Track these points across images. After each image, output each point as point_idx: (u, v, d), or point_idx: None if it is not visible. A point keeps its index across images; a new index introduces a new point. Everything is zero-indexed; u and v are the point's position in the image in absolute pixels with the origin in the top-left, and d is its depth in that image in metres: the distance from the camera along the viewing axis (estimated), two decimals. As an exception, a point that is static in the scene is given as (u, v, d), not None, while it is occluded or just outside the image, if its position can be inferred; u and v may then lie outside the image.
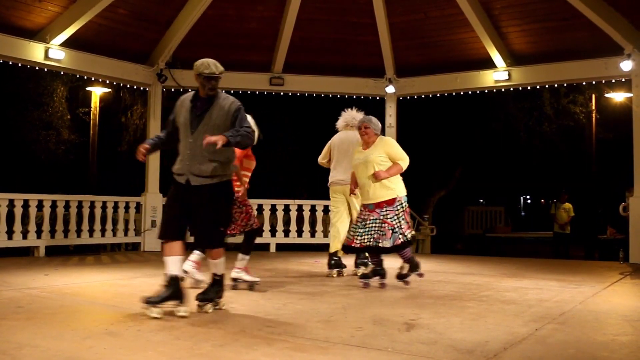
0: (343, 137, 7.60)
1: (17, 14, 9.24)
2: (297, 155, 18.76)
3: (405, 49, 11.45)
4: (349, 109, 7.75)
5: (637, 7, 9.48)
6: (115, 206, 10.89)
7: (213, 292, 4.86)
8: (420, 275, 6.40)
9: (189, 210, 4.69)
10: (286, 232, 11.53)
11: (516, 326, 4.40)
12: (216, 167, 4.69)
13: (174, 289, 4.62)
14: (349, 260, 7.63)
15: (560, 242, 14.24)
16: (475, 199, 27.31)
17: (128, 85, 12.39)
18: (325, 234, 11.36)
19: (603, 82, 13.95)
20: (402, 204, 6.18)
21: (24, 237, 9.68)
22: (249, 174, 6.19)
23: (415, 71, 11.60)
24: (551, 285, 6.70)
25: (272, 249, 11.35)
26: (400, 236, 6.04)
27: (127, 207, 11.13)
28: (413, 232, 6.31)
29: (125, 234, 11.09)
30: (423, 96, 12.40)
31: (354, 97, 11.99)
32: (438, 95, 12.31)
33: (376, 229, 6.09)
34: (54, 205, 10.04)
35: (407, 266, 6.31)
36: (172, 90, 11.73)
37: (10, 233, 9.49)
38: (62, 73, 13.81)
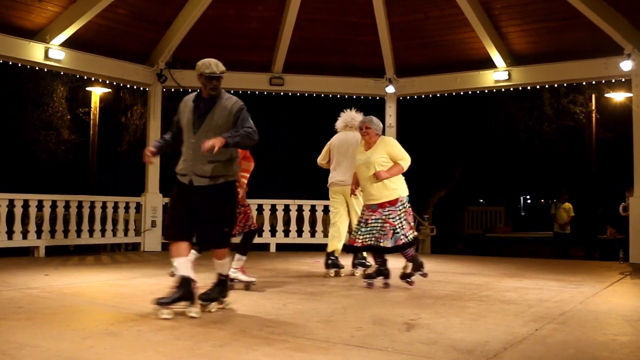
0: (342, 138, 7.60)
1: (17, 14, 9.24)
2: (297, 155, 18.76)
3: (405, 49, 11.45)
4: (348, 110, 7.75)
5: (637, 7, 9.48)
6: (115, 206, 10.89)
7: (216, 291, 4.87)
8: (424, 275, 6.39)
9: (194, 211, 4.68)
10: (286, 232, 11.53)
11: (516, 326, 4.40)
12: (218, 167, 4.68)
13: (185, 290, 4.62)
14: (346, 261, 7.63)
15: (560, 242, 14.24)
16: (475, 199, 27.30)
17: (128, 85, 12.39)
18: (326, 234, 11.35)
19: (603, 82, 13.96)
20: (404, 204, 6.18)
21: (24, 237, 9.68)
22: (247, 175, 6.19)
23: (415, 71, 11.60)
24: (551, 285, 6.70)
25: (272, 249, 11.36)
26: (402, 237, 6.04)
27: (127, 207, 11.12)
28: (415, 233, 6.28)
29: (125, 234, 11.09)
30: (423, 96, 12.40)
31: (354, 97, 12.00)
32: (438, 95, 12.31)
33: (378, 228, 6.09)
34: (54, 205, 10.04)
35: (410, 265, 6.28)
36: (172, 90, 11.74)
37: (10, 233, 9.49)
38: (62, 73, 13.80)
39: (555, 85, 12.86)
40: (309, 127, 17.15)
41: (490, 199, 28.50)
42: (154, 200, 11.08)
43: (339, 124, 7.73)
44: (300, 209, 11.59)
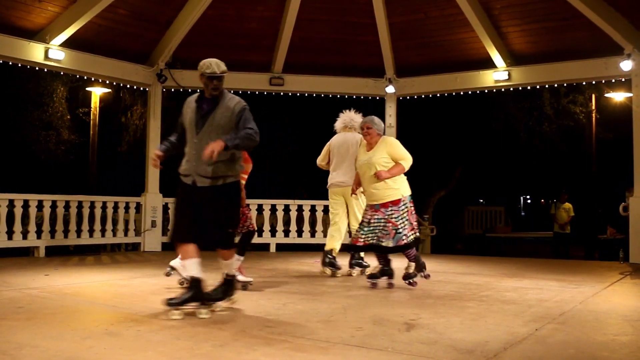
0: (342, 138, 7.59)
1: (17, 14, 9.24)
2: (297, 155, 18.77)
3: (405, 49, 11.45)
4: (347, 111, 7.74)
5: (637, 7, 9.48)
6: (115, 206, 10.89)
7: (221, 291, 4.88)
8: (426, 276, 6.37)
9: (198, 211, 4.67)
10: (286, 232, 11.53)
11: (516, 326, 4.40)
12: (221, 167, 4.66)
13: (195, 291, 4.62)
14: (343, 261, 7.64)
15: (560, 242, 14.24)
16: (475, 199, 27.30)
17: (128, 86, 12.39)
18: (326, 234, 11.35)
19: (603, 82, 13.96)
20: (406, 204, 6.17)
21: (24, 237, 9.68)
22: (246, 177, 6.19)
23: (415, 71, 11.60)
24: (551, 285, 6.70)
25: (272, 249, 11.36)
26: (404, 237, 6.03)
27: (127, 208, 11.13)
28: (417, 234, 6.25)
29: (125, 234, 11.09)
30: (423, 96, 12.40)
31: (354, 97, 12.01)
32: (438, 95, 12.31)
33: (380, 227, 6.09)
34: (54, 205, 10.04)
35: (413, 265, 6.26)
36: (172, 90, 11.74)
37: (10, 233, 9.49)
38: (62, 73, 13.80)
39: (555, 85, 12.85)
40: (309, 127, 17.15)
41: (490, 199, 28.50)
42: (154, 200, 11.08)
43: (338, 124, 7.72)
44: (300, 209, 11.59)
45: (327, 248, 7.46)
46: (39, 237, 9.82)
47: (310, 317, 4.68)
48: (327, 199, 7.83)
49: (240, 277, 6.08)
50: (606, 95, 17.66)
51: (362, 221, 6.34)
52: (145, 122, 13.00)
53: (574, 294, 6.06)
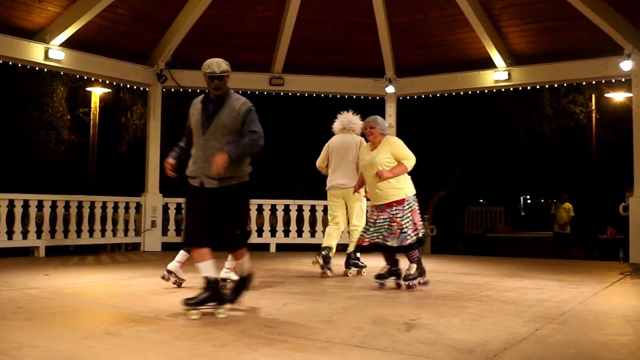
0: (341, 140, 7.58)
1: (17, 14, 9.25)
2: (297, 155, 18.77)
3: (405, 49, 11.45)
4: (345, 112, 7.74)
5: (637, 7, 9.48)
6: (115, 206, 10.89)
7: (237, 290, 4.94)
8: (425, 283, 6.30)
9: (207, 213, 4.66)
10: (286, 232, 11.53)
11: (516, 326, 4.40)
12: (229, 167, 4.61)
13: (212, 291, 4.63)
14: (340, 261, 7.64)
15: (560, 242, 14.24)
16: (475, 199, 27.30)
17: (128, 86, 12.39)
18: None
19: (603, 82, 13.95)
20: (410, 203, 6.16)
21: (24, 237, 9.69)
22: None
23: (415, 71, 11.60)
24: (551, 285, 6.70)
25: (272, 249, 11.36)
26: (408, 237, 6.02)
27: (127, 207, 11.13)
28: (420, 235, 6.20)
29: (125, 234, 11.09)
30: (423, 96, 12.40)
31: (354, 97, 12.01)
32: (438, 95, 12.31)
33: (385, 227, 6.08)
34: (54, 205, 10.05)
35: (414, 267, 6.22)
36: (172, 90, 11.75)
37: (10, 233, 9.49)
38: (62, 73, 13.81)
39: (555, 85, 12.85)
40: (309, 127, 17.15)
41: (490, 199, 28.49)
42: (154, 200, 11.08)
43: (336, 126, 7.71)
44: (300, 209, 11.59)
45: (324, 245, 7.43)
46: (39, 237, 9.82)
47: (310, 317, 4.68)
48: (326, 199, 7.80)
49: (235, 277, 6.07)
50: (606, 95, 17.65)
51: (368, 221, 6.34)
52: (145, 122, 13.00)
53: (574, 294, 6.06)
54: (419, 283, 6.18)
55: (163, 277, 6.16)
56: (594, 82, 12.24)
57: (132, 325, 4.26)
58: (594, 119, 18.83)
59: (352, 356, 3.58)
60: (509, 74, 10.75)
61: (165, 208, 11.31)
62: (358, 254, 7.46)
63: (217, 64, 4.71)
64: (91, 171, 18.19)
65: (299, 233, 11.58)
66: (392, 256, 6.29)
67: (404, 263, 6.37)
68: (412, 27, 11.19)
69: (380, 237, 6.10)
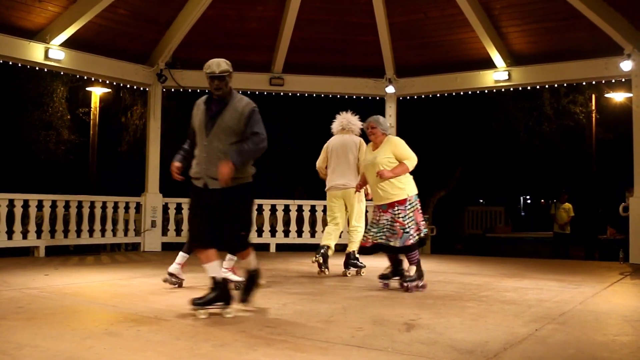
0: (340, 140, 7.57)
1: (17, 14, 9.24)
2: (296, 155, 18.76)
3: (405, 49, 11.45)
4: (344, 112, 7.73)
5: (637, 7, 9.48)
6: (115, 206, 10.89)
7: (249, 288, 4.93)
8: (422, 287, 6.24)
9: (211, 214, 4.66)
10: (286, 232, 11.53)
11: (516, 326, 4.41)
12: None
13: (220, 291, 4.64)
14: (338, 261, 7.64)
15: (560, 242, 14.24)
16: (475, 199, 27.29)
17: (128, 85, 12.39)
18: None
19: (603, 82, 13.94)
20: (412, 203, 6.15)
21: (24, 237, 9.68)
22: None
23: (415, 71, 11.60)
24: (551, 286, 6.70)
25: (272, 249, 11.36)
26: (411, 237, 6.02)
27: (127, 207, 11.13)
28: (422, 235, 6.18)
29: (125, 234, 11.09)
30: (423, 96, 12.40)
31: (354, 97, 12.01)
32: (438, 95, 12.31)
33: (388, 227, 6.07)
34: (54, 205, 10.04)
35: (414, 268, 6.20)
36: (172, 90, 11.74)
37: (10, 233, 9.49)
38: (62, 73, 13.81)
39: (555, 86, 12.84)
40: (309, 127, 17.15)
41: (490, 199, 28.49)
42: (154, 200, 11.08)
43: (335, 126, 7.71)
44: (300, 209, 11.59)
45: (322, 243, 7.43)
46: (39, 237, 9.82)
47: (310, 317, 4.69)
48: (326, 199, 7.78)
49: (233, 277, 6.08)
50: (606, 95, 17.66)
51: (371, 222, 6.33)
52: (145, 122, 13.01)
53: (573, 294, 6.06)
54: (417, 286, 6.14)
55: (165, 281, 6.15)
56: (594, 83, 12.22)
57: (132, 325, 4.26)
58: (594, 119, 18.84)
59: (352, 356, 3.58)
60: (509, 74, 10.75)
61: (165, 208, 11.31)
62: (357, 254, 7.45)
63: (216, 64, 4.70)
64: (91, 171, 18.19)
65: (299, 233, 11.58)
66: (396, 256, 6.27)
67: (408, 263, 6.37)
68: (412, 27, 11.19)
69: (383, 237, 6.09)
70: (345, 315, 4.84)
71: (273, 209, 11.56)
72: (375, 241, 6.15)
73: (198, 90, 11.34)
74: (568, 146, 19.26)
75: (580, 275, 7.80)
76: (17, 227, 9.54)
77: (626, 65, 9.68)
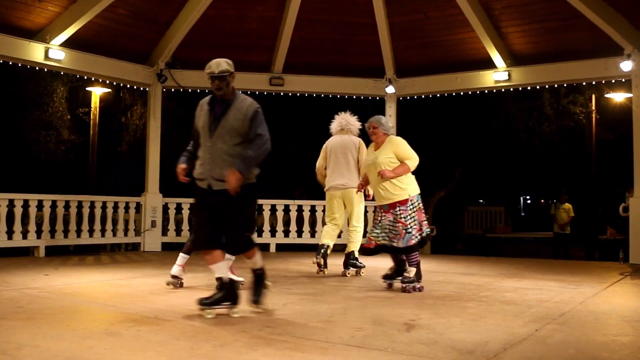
0: (339, 140, 7.57)
1: (17, 14, 9.25)
2: (296, 155, 18.76)
3: (405, 49, 11.45)
4: (343, 113, 7.73)
5: (637, 7, 9.48)
6: (115, 206, 10.89)
7: (259, 288, 4.88)
8: (420, 289, 6.23)
9: (215, 215, 4.65)
10: (286, 233, 11.53)
11: (516, 326, 4.41)
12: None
13: (227, 291, 4.65)
14: (337, 261, 7.63)
15: (560, 243, 14.24)
16: (475, 199, 27.29)
17: (128, 85, 12.39)
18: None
19: (603, 82, 13.94)
20: (413, 203, 6.14)
21: (24, 237, 9.68)
22: None
23: (415, 71, 11.60)
24: (551, 286, 6.70)
25: (272, 249, 11.36)
26: (413, 237, 6.01)
27: (127, 207, 11.12)
28: (424, 234, 6.17)
29: (125, 234, 11.09)
30: (423, 96, 12.40)
31: (354, 97, 12.01)
32: (438, 95, 12.31)
33: (390, 228, 6.07)
34: (54, 205, 10.04)
35: (413, 270, 6.18)
36: (172, 90, 11.75)
37: (10, 233, 9.49)
38: (62, 73, 13.81)
39: (555, 86, 12.84)
40: (309, 127, 17.15)
41: (490, 199, 28.48)
42: (154, 200, 11.08)
43: (333, 127, 7.70)
44: (300, 209, 11.59)
45: (322, 242, 7.42)
46: (39, 237, 9.82)
47: (311, 318, 4.69)
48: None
49: (234, 277, 6.08)
50: (606, 95, 17.65)
51: (374, 223, 6.33)
52: (145, 122, 13.01)
53: (573, 294, 6.06)
54: (414, 288, 6.13)
55: (169, 284, 6.15)
56: (594, 83, 12.22)
57: (132, 325, 4.26)
58: (594, 119, 18.83)
59: (352, 356, 3.58)
60: (509, 74, 10.75)
61: (165, 208, 11.31)
62: (356, 254, 7.45)
63: (216, 64, 4.68)
64: (91, 171, 18.19)
65: (299, 233, 11.58)
66: (400, 256, 6.27)
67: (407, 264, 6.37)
68: (412, 27, 11.19)
69: (387, 238, 6.09)
70: (345, 316, 4.84)
71: (273, 209, 11.56)
72: (378, 242, 6.14)
73: (198, 90, 11.34)
74: (568, 146, 19.25)
75: (580, 275, 7.80)
76: (17, 227, 9.54)
77: (626, 66, 9.69)
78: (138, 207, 11.17)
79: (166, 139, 11.76)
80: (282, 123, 18.27)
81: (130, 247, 11.88)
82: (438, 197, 18.82)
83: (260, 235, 11.31)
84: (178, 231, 11.34)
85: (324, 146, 7.69)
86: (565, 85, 13.41)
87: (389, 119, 11.53)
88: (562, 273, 7.97)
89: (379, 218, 6.24)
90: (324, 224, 11.51)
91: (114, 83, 11.84)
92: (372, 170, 6.28)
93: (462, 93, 11.67)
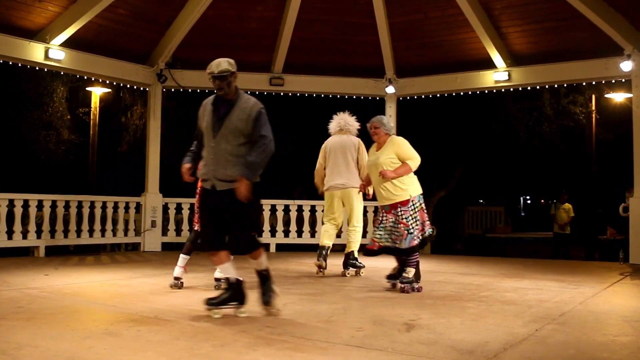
0: (338, 141, 7.56)
1: (17, 14, 9.25)
2: (296, 155, 18.76)
3: (405, 49, 11.45)
4: (341, 113, 7.72)
5: (637, 7, 9.48)
6: (115, 206, 10.89)
7: (268, 289, 4.84)
8: (418, 289, 6.22)
9: (220, 215, 4.65)
10: (286, 233, 11.53)
11: (516, 327, 4.41)
12: (240, 169, 4.58)
13: (234, 292, 4.65)
14: (336, 261, 7.63)
15: (560, 243, 14.24)
16: (475, 199, 27.29)
17: (128, 85, 12.39)
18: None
19: (603, 82, 13.95)
20: (415, 204, 6.13)
21: (24, 237, 9.68)
22: None
23: (415, 71, 11.60)
24: (551, 286, 6.70)
25: (272, 249, 11.35)
26: (415, 238, 6.01)
27: (127, 207, 11.12)
28: (425, 235, 6.15)
29: (125, 234, 11.09)
30: (423, 96, 12.40)
31: (354, 97, 12.01)
32: (438, 95, 12.31)
33: (393, 229, 6.07)
34: (54, 205, 10.04)
35: (412, 271, 6.18)
36: (172, 90, 11.74)
37: (10, 233, 9.49)
38: (62, 73, 13.81)
39: (555, 86, 12.85)
40: (309, 127, 17.14)
41: (490, 199, 28.49)
42: (154, 200, 11.07)
43: (332, 127, 7.69)
44: (300, 209, 11.59)
45: (322, 244, 7.42)
46: (39, 237, 9.82)
47: (310, 318, 4.69)
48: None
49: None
50: (606, 95, 17.66)
51: (376, 224, 6.32)
52: (145, 122, 13.01)
53: (573, 294, 6.06)
54: (412, 288, 6.12)
55: (172, 286, 6.13)
56: (594, 83, 12.23)
57: (132, 325, 4.26)
58: (594, 119, 18.83)
59: (352, 356, 3.58)
60: (509, 75, 10.75)
61: (165, 208, 11.31)
62: (356, 254, 7.45)
63: (216, 64, 4.67)
64: (91, 171, 18.19)
65: (299, 233, 11.57)
66: (403, 257, 6.26)
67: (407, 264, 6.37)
68: (412, 27, 11.19)
69: (390, 240, 6.09)
70: (345, 316, 4.84)
71: (273, 209, 11.56)
72: (381, 244, 6.14)
73: (198, 91, 11.35)
74: (568, 146, 19.26)
75: (580, 275, 7.80)
76: (17, 227, 9.55)
77: (626, 66, 9.69)
78: (138, 207, 11.17)
79: (166, 139, 11.76)
80: (282, 123, 18.24)
81: (130, 247, 11.88)
82: (438, 197, 18.82)
83: (260, 235, 11.29)
84: (178, 231, 11.34)
85: (323, 146, 7.69)
86: (565, 85, 13.41)
87: (389, 119, 11.53)
88: (562, 273, 7.97)
89: (381, 218, 6.24)
90: (323, 223, 11.57)
91: (114, 83, 11.84)
92: (373, 171, 6.28)
93: (462, 93, 11.68)
